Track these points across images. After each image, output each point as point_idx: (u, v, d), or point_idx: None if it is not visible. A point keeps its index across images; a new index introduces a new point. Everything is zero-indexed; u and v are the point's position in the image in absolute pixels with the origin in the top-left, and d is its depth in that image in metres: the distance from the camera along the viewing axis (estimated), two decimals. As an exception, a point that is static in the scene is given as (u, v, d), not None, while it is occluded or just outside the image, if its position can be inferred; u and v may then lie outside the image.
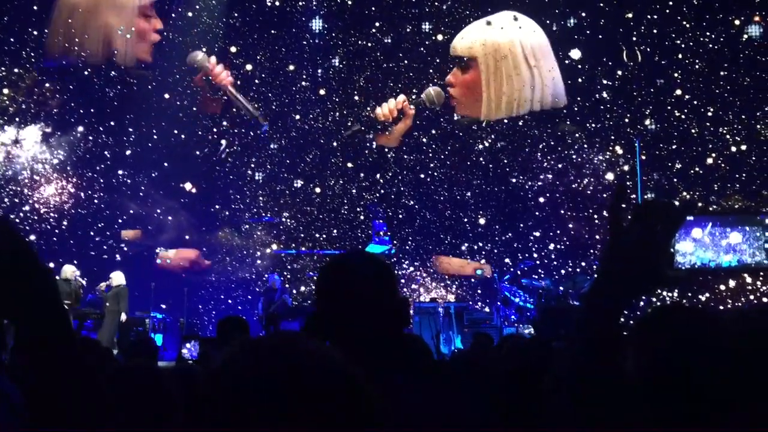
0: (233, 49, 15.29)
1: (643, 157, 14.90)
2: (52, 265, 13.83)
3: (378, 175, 15.53)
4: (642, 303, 11.26)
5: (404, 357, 1.76)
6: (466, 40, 14.92)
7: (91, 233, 14.96)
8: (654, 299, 12.82)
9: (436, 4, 15.40)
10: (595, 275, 1.39)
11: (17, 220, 14.53)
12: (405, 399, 1.48)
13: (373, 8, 15.47)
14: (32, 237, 14.49)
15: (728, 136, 14.88)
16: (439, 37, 15.30)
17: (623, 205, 1.37)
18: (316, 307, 1.77)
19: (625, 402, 1.45)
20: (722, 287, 13.96)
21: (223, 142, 15.34)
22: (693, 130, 15.01)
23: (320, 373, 0.91)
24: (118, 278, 12.86)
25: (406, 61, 15.28)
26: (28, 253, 1.08)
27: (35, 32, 14.91)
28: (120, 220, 15.12)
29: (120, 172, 15.23)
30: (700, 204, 14.29)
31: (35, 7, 14.78)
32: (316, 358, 0.92)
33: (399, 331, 1.76)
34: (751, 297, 13.83)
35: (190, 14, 15.12)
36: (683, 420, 1.49)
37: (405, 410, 1.46)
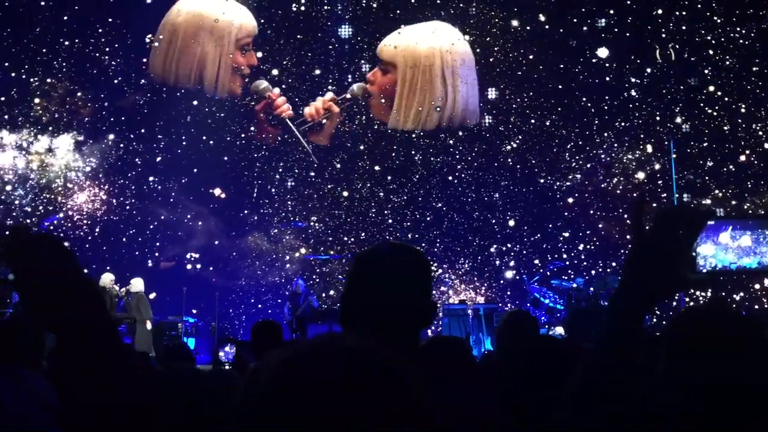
0: (259, 55, 15.41)
1: (674, 156, 14.73)
2: (85, 271, 14.06)
3: (405, 178, 15.54)
4: (675, 303, 11.12)
5: (416, 354, 1.78)
6: (391, 46, 15.01)
7: (123, 239, 15.20)
8: (688, 299, 12.67)
9: (461, 5, 15.38)
10: (619, 280, 1.42)
11: (51, 227, 14.81)
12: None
13: (398, 11, 15.49)
14: (66, 244, 14.71)
15: (761, 133, 14.64)
16: (466, 37, 15.28)
17: (644, 213, 1.40)
18: (347, 288, 1.80)
19: (653, 403, 1.45)
20: (757, 286, 13.73)
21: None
22: (725, 128, 14.78)
23: (377, 374, 0.92)
24: (137, 285, 12.95)
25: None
26: (73, 266, 1.11)
27: (66, 42, 15.18)
28: (151, 226, 15.33)
29: (151, 178, 15.45)
30: (720, 210, 14.19)
31: (65, 18, 15.05)
32: (371, 360, 0.93)
33: (416, 329, 1.78)
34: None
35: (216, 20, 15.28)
36: (713, 422, 1.47)
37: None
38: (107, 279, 12.65)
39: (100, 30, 15.26)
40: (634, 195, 14.46)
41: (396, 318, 1.72)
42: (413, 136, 15.47)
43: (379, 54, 15.13)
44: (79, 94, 15.40)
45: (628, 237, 14.06)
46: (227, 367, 8.82)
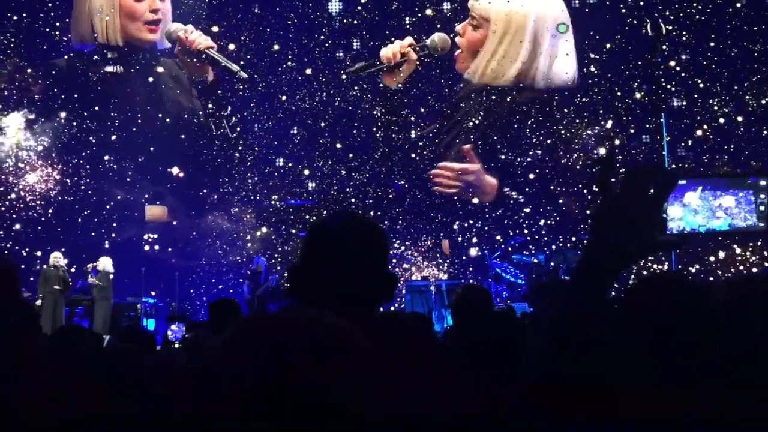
0: (215, 29, 15.09)
1: (632, 131, 14.91)
2: (39, 253, 13.77)
3: (366, 156, 15.44)
4: (633, 276, 11.27)
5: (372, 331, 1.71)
6: (485, 2, 14.54)
7: (79, 220, 14.84)
8: (645, 272, 12.87)
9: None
10: (587, 242, 1.35)
11: (3, 209, 14.41)
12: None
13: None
14: (18, 226, 14.39)
15: (716, 107, 14.87)
16: (428, 12, 15.21)
17: (611, 170, 1.34)
18: (300, 260, 1.72)
19: (607, 369, 1.42)
20: (712, 258, 14.00)
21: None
22: (682, 102, 15.00)
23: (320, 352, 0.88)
24: (105, 263, 12.87)
25: (392, 39, 15.10)
26: None
27: (15, 17, 14.67)
28: (107, 207, 14.99)
29: (106, 157, 15.07)
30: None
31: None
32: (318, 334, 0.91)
33: (372, 303, 1.71)
34: (741, 267, 13.87)
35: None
36: (665, 386, 1.46)
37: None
38: (53, 257, 12.61)
39: (49, 4, 14.78)
40: (599, 154, 14.44)
41: (351, 291, 1.65)
42: (375, 113, 15.34)
43: (471, 8, 14.59)
44: (29, 70, 14.92)
45: (588, 212, 14.20)
46: (176, 346, 8.71)
